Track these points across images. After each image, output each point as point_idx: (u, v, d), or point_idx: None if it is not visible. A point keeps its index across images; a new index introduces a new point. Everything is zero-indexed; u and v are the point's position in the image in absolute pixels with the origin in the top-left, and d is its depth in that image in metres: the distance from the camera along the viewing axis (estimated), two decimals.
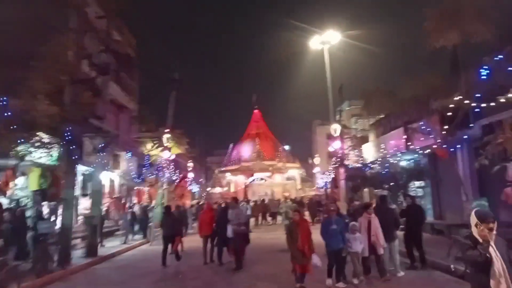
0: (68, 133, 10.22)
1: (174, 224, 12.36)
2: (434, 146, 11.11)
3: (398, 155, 14.85)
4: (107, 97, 20.85)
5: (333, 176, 20.75)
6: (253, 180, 49.96)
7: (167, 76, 23.41)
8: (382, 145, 16.88)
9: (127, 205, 22.53)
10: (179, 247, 12.49)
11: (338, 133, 19.51)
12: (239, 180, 52.60)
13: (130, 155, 18.50)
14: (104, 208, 22.17)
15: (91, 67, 12.36)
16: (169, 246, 11.87)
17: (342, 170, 18.61)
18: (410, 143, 14.33)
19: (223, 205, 13.97)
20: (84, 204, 19.41)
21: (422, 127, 11.72)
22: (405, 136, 14.56)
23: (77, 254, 13.12)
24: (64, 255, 10.67)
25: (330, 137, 20.64)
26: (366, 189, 28.78)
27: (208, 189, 52.86)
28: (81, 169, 16.38)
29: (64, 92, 8.74)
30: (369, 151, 18.41)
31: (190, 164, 33.82)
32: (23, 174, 12.26)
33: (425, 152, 12.90)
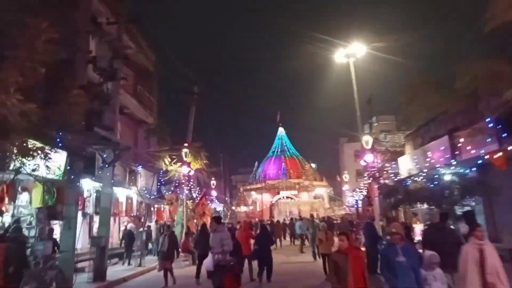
0: (59, 140, 9.10)
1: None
2: (495, 155, 9.28)
3: (441, 167, 12.98)
4: (124, 110, 20.19)
5: (366, 193, 18.85)
6: (279, 198, 48.17)
7: (187, 89, 22.54)
8: (420, 157, 15.05)
9: (145, 224, 21.43)
10: None
11: (370, 146, 17.80)
12: (265, 198, 51.01)
13: (140, 167, 17.30)
14: (122, 228, 21.38)
15: (95, 71, 11.37)
16: None
17: (376, 186, 16.79)
18: (457, 152, 12.47)
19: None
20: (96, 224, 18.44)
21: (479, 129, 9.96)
22: (450, 145, 12.71)
23: (83, 278, 11.92)
24: (63, 280, 9.41)
25: (359, 151, 18.88)
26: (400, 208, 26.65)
27: (233, 207, 51.43)
28: (93, 185, 15.40)
29: (44, 87, 7.64)
30: (406, 165, 16.53)
31: (213, 182, 32.56)
32: (24, 189, 11.24)
33: (478, 162, 11.02)
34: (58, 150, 11.30)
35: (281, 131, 60.90)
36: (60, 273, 9.29)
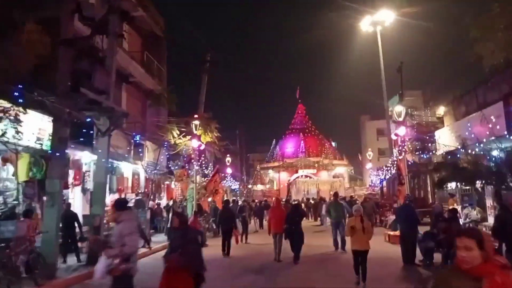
0: (18, 94, 7.47)
1: (231, 218, 13.18)
2: None
3: (494, 140, 10.87)
4: (130, 78, 18.56)
5: (395, 170, 16.86)
6: (297, 177, 46.44)
7: (199, 57, 20.73)
8: (464, 129, 12.94)
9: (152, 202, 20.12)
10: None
11: (402, 117, 15.68)
12: (282, 177, 49.40)
13: (147, 141, 15.71)
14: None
15: (81, 21, 9.65)
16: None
17: (409, 162, 14.80)
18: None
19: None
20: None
21: None
22: (505, 114, 10.56)
23: (75, 262, 10.61)
24: (43, 266, 7.99)
25: (394, 123, 16.78)
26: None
27: (249, 186, 50.10)
28: (93, 158, 13.96)
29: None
30: (446, 139, 14.42)
31: (228, 159, 31.01)
32: (5, 160, 9.82)
33: None
34: (43, 115, 9.81)
35: (300, 107, 58.56)
36: (39, 257, 7.86)
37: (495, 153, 11.35)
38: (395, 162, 17.53)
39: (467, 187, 19.31)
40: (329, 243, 12.93)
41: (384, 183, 27.46)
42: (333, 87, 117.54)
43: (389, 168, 21.31)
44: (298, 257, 10.62)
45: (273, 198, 16.08)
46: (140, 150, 17.38)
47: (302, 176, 47.09)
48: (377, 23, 30.09)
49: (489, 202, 13.95)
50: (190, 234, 5.64)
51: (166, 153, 19.69)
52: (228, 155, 31.70)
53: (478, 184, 14.06)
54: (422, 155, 14.50)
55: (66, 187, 13.03)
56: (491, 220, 13.59)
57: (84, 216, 11.24)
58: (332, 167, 50.83)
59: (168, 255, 5.40)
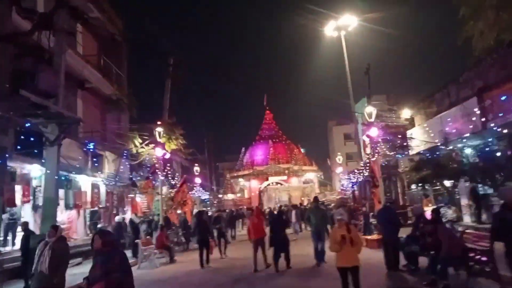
0: None
1: (207, 229, 12.90)
2: None
3: (465, 138, 10.58)
4: (86, 84, 17.26)
5: (368, 172, 16.48)
6: (268, 184, 45.80)
7: (162, 62, 19.68)
8: (436, 127, 12.70)
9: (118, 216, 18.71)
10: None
11: (373, 117, 15.32)
12: (253, 185, 48.60)
13: (94, 148, 14.42)
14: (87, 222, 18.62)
15: (20, 14, 8.51)
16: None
17: (382, 164, 14.40)
18: (488, 119, 10.07)
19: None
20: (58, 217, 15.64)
21: None
22: (479, 109, 10.30)
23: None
24: None
25: (365, 124, 16.42)
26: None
27: (220, 195, 48.92)
28: (43, 171, 12.60)
29: None
30: (418, 138, 14.16)
31: (196, 168, 29.89)
32: None
33: None
34: None
35: (268, 114, 58.22)
36: None
37: (468, 151, 11.09)
38: (368, 164, 17.14)
39: (437, 187, 19.30)
40: (309, 252, 11.97)
41: (355, 187, 27.29)
42: (301, 92, 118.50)
43: (361, 171, 20.99)
44: (289, 261, 10.62)
45: (254, 207, 15.74)
46: (98, 161, 16.09)
47: (272, 183, 46.51)
48: (341, 28, 30.13)
49: (464, 201, 13.78)
50: (116, 258, 4.35)
51: (128, 164, 18.44)
52: (196, 165, 30.60)
53: (448, 183, 14.01)
54: (397, 155, 14.16)
55: (13, 204, 11.64)
56: (466, 219, 13.41)
57: (31, 237, 9.87)
58: (302, 173, 50.64)
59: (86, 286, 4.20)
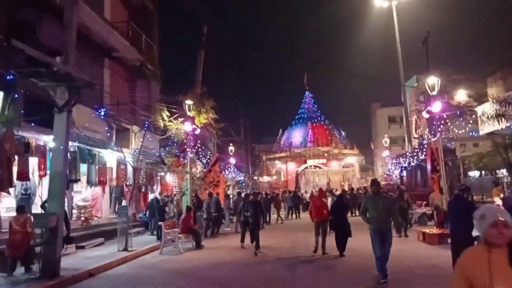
0: None
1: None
2: None
3: None
4: (113, 53, 16.01)
5: (426, 156, 14.18)
6: (306, 167, 43.84)
7: (196, 30, 18.07)
8: None
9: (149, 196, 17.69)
10: None
11: (437, 90, 12.95)
12: (290, 168, 46.82)
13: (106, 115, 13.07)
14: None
15: None
16: None
17: (441, 145, 12.10)
18: None
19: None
20: (81, 194, 14.75)
21: None
22: None
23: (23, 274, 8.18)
24: None
25: (424, 101, 14.07)
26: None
27: (255, 177, 47.60)
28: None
29: None
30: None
31: (231, 148, 28.49)
32: None
33: None
34: None
35: (308, 95, 55.70)
36: None
37: None
38: (423, 146, 14.80)
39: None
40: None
41: (404, 172, 24.79)
42: (344, 72, 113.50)
43: (415, 153, 18.58)
44: (344, 249, 10.01)
45: (317, 189, 14.47)
46: (124, 135, 14.93)
47: (311, 166, 44.49)
48: None
49: None
50: None
51: (157, 139, 17.21)
52: (231, 144, 29.16)
53: None
54: (471, 132, 11.80)
55: (26, 178, 10.62)
56: None
57: (34, 215, 8.71)
58: (342, 157, 48.22)
59: None
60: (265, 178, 45.99)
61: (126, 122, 14.13)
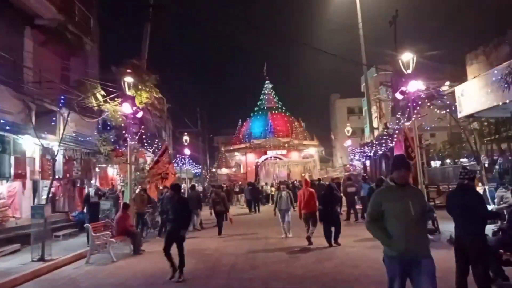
0: None
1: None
2: None
3: None
4: (37, 20, 13.30)
5: (401, 140, 12.84)
6: (266, 159, 42.34)
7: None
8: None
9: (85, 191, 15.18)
10: None
11: (411, 68, 11.55)
12: (250, 159, 45.19)
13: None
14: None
15: None
16: None
17: (416, 130, 10.74)
18: None
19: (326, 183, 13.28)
20: None
21: None
22: None
23: None
24: None
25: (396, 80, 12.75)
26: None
27: (213, 170, 45.53)
28: None
29: None
30: (474, 94, 10.44)
31: (186, 138, 26.24)
32: None
33: None
34: None
35: (267, 84, 54.19)
36: None
37: None
38: (387, 135, 13.49)
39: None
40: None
41: (368, 162, 23.77)
42: (303, 61, 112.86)
43: (383, 140, 17.34)
44: (338, 238, 9.81)
45: (303, 180, 13.39)
46: (49, 118, 12.36)
47: (271, 157, 43.07)
48: None
49: None
50: None
51: (96, 125, 14.73)
52: (185, 134, 26.90)
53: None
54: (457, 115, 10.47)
55: None
56: None
57: None
58: (302, 148, 47.30)
59: None
60: (224, 171, 44.05)
61: (49, 102, 11.54)
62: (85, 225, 10.11)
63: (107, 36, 18.15)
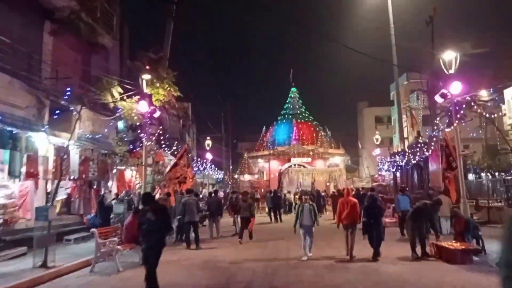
0: None
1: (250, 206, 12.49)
2: None
3: None
4: (57, 14, 12.91)
5: (443, 148, 11.60)
6: (290, 166, 41.22)
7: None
8: None
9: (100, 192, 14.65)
10: None
11: (454, 69, 10.37)
12: (273, 166, 44.15)
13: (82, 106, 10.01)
14: (63, 197, 14.66)
15: None
16: None
17: (458, 137, 9.51)
18: None
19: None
20: (6, 189, 11.56)
21: None
22: None
23: None
24: None
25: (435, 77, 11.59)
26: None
27: (236, 176, 44.75)
28: None
29: None
30: None
31: (208, 142, 25.59)
32: None
33: None
34: None
35: (293, 91, 53.24)
36: None
37: None
38: (435, 138, 12.26)
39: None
40: None
41: (398, 172, 22.34)
42: (331, 68, 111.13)
43: (417, 148, 16.01)
44: (378, 253, 9.12)
45: (345, 189, 11.81)
46: (64, 116, 11.86)
47: (295, 165, 41.92)
48: None
49: None
50: None
51: (114, 124, 14.19)
52: (208, 138, 26.27)
53: None
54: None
55: None
56: None
57: None
58: (327, 156, 45.87)
59: None
60: (246, 177, 43.18)
61: (65, 99, 11.01)
62: (91, 229, 9.40)
63: (131, 33, 17.67)
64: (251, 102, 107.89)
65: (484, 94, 12.69)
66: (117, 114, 12.22)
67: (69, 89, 10.73)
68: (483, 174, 22.31)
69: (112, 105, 11.82)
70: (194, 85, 40.00)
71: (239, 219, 15.61)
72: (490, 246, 9.47)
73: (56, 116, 11.24)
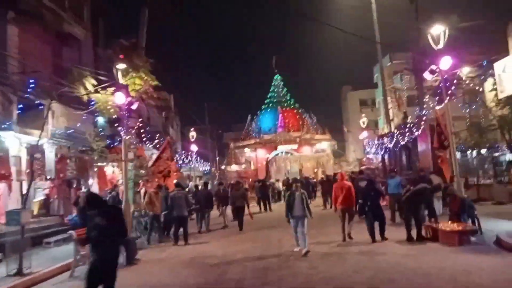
0: None
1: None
2: None
3: None
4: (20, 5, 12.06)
5: (435, 126, 11.28)
6: (277, 154, 40.89)
7: None
8: None
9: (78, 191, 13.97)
10: None
11: (443, 43, 10.00)
12: (260, 155, 43.72)
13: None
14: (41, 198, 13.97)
15: None
16: None
17: (449, 114, 9.21)
18: None
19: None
20: None
21: None
22: None
23: None
24: None
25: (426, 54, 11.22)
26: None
27: (223, 167, 44.23)
28: None
29: None
30: None
31: (192, 134, 24.97)
32: None
33: None
34: None
35: (277, 79, 52.61)
36: None
37: None
38: (424, 118, 11.97)
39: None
40: None
41: (386, 155, 22.16)
42: (313, 53, 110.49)
43: (407, 129, 15.75)
44: (384, 233, 9.21)
45: (339, 174, 11.67)
46: (35, 112, 11.11)
47: (282, 153, 41.60)
48: None
49: None
50: None
51: (93, 119, 13.47)
52: (192, 129, 25.64)
53: None
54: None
55: None
56: None
57: None
58: (314, 142, 45.65)
59: None
60: (233, 167, 42.70)
61: (29, 92, 10.24)
62: (69, 232, 8.79)
63: (107, 25, 16.78)
64: (235, 91, 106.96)
65: (466, 70, 12.44)
66: (91, 108, 11.50)
67: (32, 81, 9.95)
68: (468, 152, 22.30)
69: (85, 98, 11.09)
70: (176, 76, 39.10)
71: (227, 211, 15.17)
72: (484, 224, 9.26)
73: (25, 113, 10.47)
